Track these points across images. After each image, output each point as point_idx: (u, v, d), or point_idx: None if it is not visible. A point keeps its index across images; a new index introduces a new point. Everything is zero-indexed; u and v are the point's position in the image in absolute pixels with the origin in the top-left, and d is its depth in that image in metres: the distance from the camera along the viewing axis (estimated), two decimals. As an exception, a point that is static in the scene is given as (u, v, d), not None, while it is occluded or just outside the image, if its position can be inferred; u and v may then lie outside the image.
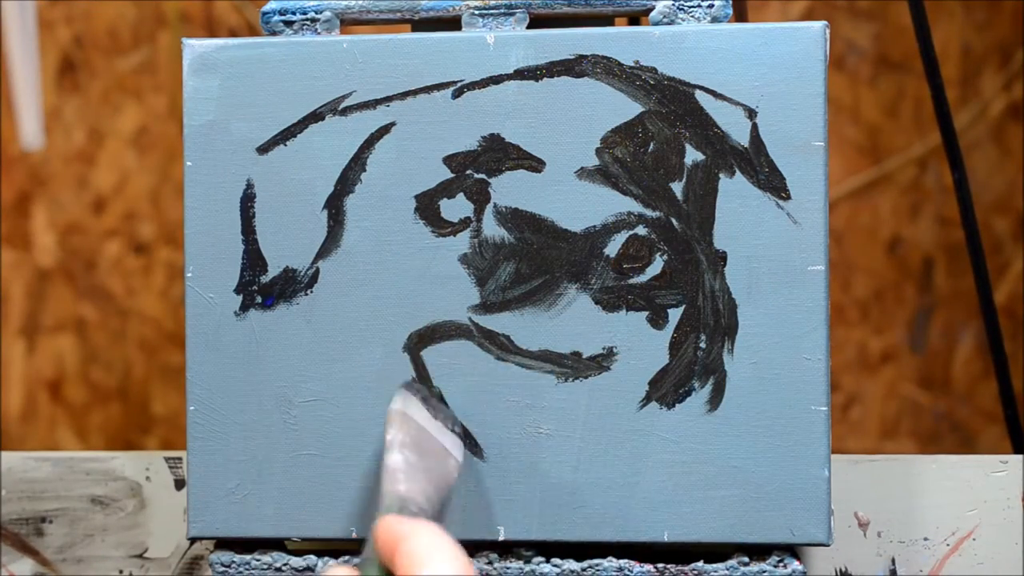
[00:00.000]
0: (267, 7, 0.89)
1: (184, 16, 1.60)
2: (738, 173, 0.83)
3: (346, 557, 0.86)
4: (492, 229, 0.85)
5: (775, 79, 0.83)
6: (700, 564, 0.84)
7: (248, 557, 0.87)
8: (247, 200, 0.86)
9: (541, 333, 0.84)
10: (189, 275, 0.86)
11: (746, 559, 0.84)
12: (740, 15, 1.22)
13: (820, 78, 0.83)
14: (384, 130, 0.85)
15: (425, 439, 0.78)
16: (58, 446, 1.61)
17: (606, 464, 0.84)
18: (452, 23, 0.88)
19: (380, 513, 0.73)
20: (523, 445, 0.84)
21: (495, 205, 0.85)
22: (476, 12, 0.87)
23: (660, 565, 0.84)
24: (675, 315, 0.83)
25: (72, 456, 1.01)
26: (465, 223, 0.85)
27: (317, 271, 0.86)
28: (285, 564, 0.86)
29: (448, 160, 0.85)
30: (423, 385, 0.84)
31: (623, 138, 0.84)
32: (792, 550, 0.84)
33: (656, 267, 0.84)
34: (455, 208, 0.85)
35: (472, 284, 0.85)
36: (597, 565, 0.84)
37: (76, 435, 1.62)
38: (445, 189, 0.85)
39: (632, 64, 0.83)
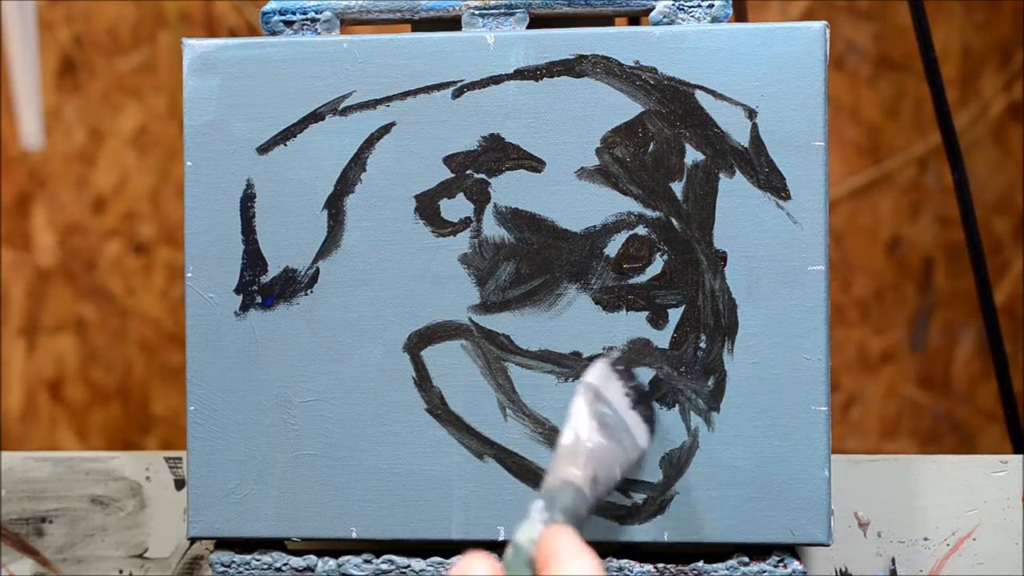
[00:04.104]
0: (267, 7, 0.89)
1: (184, 16, 1.60)
2: (738, 173, 0.83)
3: (310, 557, 0.86)
4: (492, 229, 0.85)
5: (775, 79, 0.83)
6: (700, 564, 0.84)
7: (248, 557, 0.87)
8: (247, 200, 0.86)
9: (541, 333, 0.84)
10: (189, 275, 0.86)
11: (746, 559, 0.84)
12: (740, 15, 1.22)
13: (820, 78, 0.83)
14: (384, 130, 0.85)
15: (610, 418, 0.75)
16: (58, 446, 1.61)
17: (606, 464, 0.84)
18: (452, 23, 0.88)
19: (547, 502, 0.70)
20: (523, 445, 0.84)
21: (495, 205, 0.85)
22: (476, 12, 0.87)
23: (660, 565, 0.84)
24: (675, 315, 0.83)
25: (72, 456, 1.01)
26: (465, 223, 0.85)
27: (317, 271, 0.86)
28: (285, 564, 0.86)
29: (448, 160, 0.85)
30: (627, 361, 0.80)
31: (623, 138, 0.84)
32: (792, 550, 0.84)
33: (656, 267, 0.84)
34: (455, 208, 0.85)
35: (472, 284, 0.85)
36: (597, 565, 0.84)
37: (76, 435, 1.62)
38: (445, 189, 0.85)
39: (632, 64, 0.83)
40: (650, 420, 0.80)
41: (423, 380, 0.85)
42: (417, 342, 0.85)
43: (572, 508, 0.70)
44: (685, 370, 0.83)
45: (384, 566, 0.86)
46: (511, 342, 0.84)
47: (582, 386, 0.77)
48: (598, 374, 0.78)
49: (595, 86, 0.84)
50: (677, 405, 0.83)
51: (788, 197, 0.83)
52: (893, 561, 0.95)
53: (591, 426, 0.74)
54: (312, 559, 0.86)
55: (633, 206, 0.84)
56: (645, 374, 0.82)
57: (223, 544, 0.88)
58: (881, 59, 1.55)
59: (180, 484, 1.00)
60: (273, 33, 0.88)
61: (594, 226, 0.84)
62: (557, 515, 0.69)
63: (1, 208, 1.62)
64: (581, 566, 0.65)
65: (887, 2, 1.54)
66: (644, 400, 0.80)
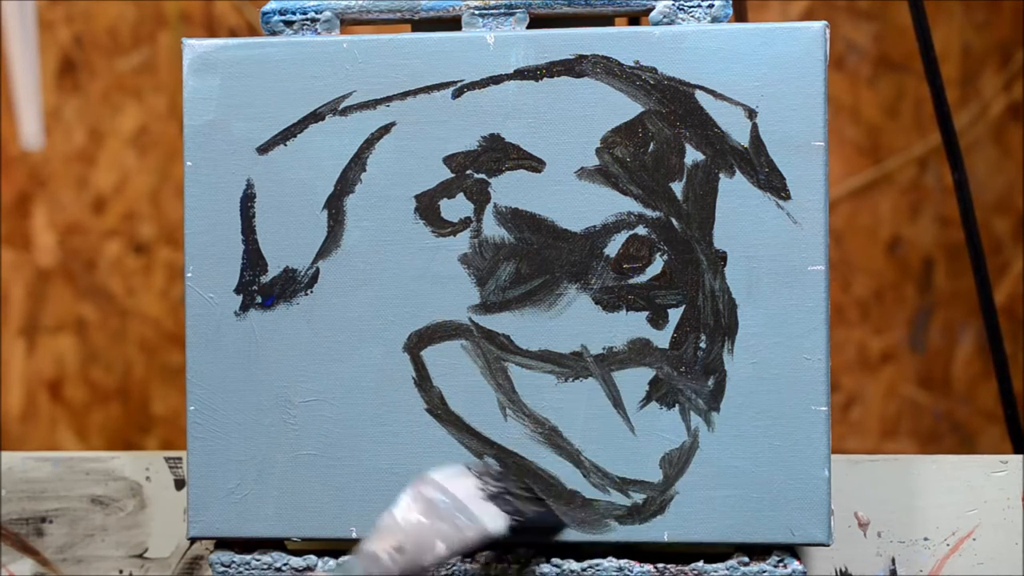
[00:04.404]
0: (267, 7, 0.89)
1: (184, 16, 1.60)
2: (738, 173, 0.83)
3: (310, 557, 0.86)
4: (492, 229, 0.85)
5: (775, 79, 0.83)
6: (700, 564, 0.84)
7: (248, 557, 0.87)
8: (247, 200, 0.86)
9: (541, 333, 0.84)
10: (189, 275, 0.86)
11: (746, 559, 0.84)
12: (740, 15, 1.22)
13: (820, 78, 0.83)
14: (384, 130, 0.85)
15: (444, 504, 0.79)
16: (58, 446, 1.61)
17: (606, 464, 0.84)
18: (452, 23, 0.88)
19: (341, 566, 0.77)
20: (523, 445, 0.84)
21: (495, 205, 0.85)
22: (476, 12, 0.87)
23: (660, 565, 0.84)
24: (675, 315, 0.83)
25: (72, 456, 1.01)
26: (465, 223, 0.85)
27: (317, 271, 0.86)
28: (285, 564, 0.86)
29: (448, 160, 0.85)
30: (498, 472, 0.83)
31: (623, 138, 0.84)
32: (792, 550, 0.84)
33: (656, 267, 0.84)
34: (455, 208, 0.85)
35: (472, 284, 0.85)
36: (597, 565, 0.84)
37: (76, 435, 1.62)
38: (445, 189, 0.85)
39: (632, 64, 0.83)
40: (519, 513, 0.81)
41: (423, 380, 0.85)
42: (417, 342, 0.85)
43: (350, 569, 0.78)
44: (685, 370, 0.83)
45: (384, 566, 0.86)
46: (511, 342, 0.84)
47: (417, 478, 0.81)
48: (446, 471, 0.81)
49: (595, 86, 0.84)
50: (677, 405, 0.83)
51: (788, 197, 0.83)
52: (893, 561, 0.95)
53: (408, 507, 0.79)
54: (312, 559, 0.86)
55: (633, 206, 0.84)
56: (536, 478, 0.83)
57: (223, 544, 0.88)
58: (881, 59, 1.55)
59: (180, 484, 1.00)
60: (273, 33, 0.88)
61: (594, 226, 0.84)
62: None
63: (1, 208, 1.62)
64: None
65: (887, 2, 1.54)
66: (512, 500, 0.81)
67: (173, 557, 1.00)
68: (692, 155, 0.83)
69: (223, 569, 0.87)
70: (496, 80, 0.84)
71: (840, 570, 0.96)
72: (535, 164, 0.84)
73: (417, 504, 0.79)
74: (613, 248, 0.84)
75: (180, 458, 1.00)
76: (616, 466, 0.84)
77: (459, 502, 0.79)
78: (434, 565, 0.78)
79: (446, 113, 0.85)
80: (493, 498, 0.80)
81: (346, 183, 0.85)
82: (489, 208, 0.85)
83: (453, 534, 0.78)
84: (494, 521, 0.80)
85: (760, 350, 0.83)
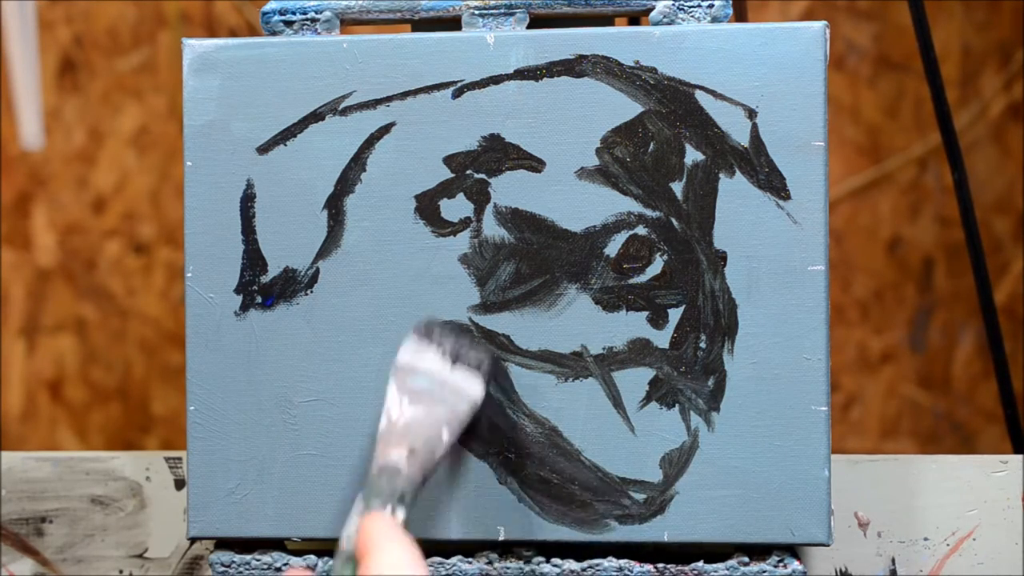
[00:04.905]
0: (267, 7, 0.89)
1: (184, 16, 1.60)
2: (738, 173, 0.83)
3: (310, 557, 0.86)
4: (492, 229, 0.85)
5: (775, 79, 0.83)
6: (700, 564, 0.84)
7: (248, 557, 0.87)
8: (247, 200, 0.86)
9: (541, 333, 0.84)
10: (189, 275, 0.86)
11: (746, 559, 0.84)
12: (740, 15, 1.22)
13: (820, 78, 0.83)
14: (384, 130, 0.85)
15: (426, 386, 0.78)
16: (58, 446, 1.62)
17: (606, 464, 0.84)
18: (452, 23, 0.88)
19: (365, 493, 0.74)
20: (523, 445, 0.84)
21: (495, 205, 0.85)
22: (476, 12, 0.87)
23: (660, 565, 0.84)
24: (675, 315, 0.83)
25: (72, 456, 1.01)
26: (465, 223, 0.85)
27: (317, 271, 0.86)
28: (285, 564, 0.86)
29: (448, 160, 0.85)
30: (437, 323, 0.83)
31: (623, 138, 0.84)
32: (792, 550, 0.84)
33: (656, 267, 0.84)
34: (455, 208, 0.85)
35: (472, 284, 0.85)
36: (597, 565, 0.84)
37: (76, 435, 1.62)
38: (445, 189, 0.85)
39: (632, 64, 0.83)
40: (480, 365, 0.81)
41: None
42: (417, 342, 0.85)
43: (389, 490, 0.74)
44: (685, 370, 0.83)
45: (384, 566, 0.86)
46: (511, 342, 0.84)
47: (392, 369, 0.79)
48: (407, 350, 0.80)
49: (595, 86, 0.84)
50: (677, 405, 0.83)
51: (788, 197, 0.83)
52: (893, 561, 0.95)
53: (400, 402, 0.77)
54: (312, 559, 0.86)
55: (633, 206, 0.84)
56: (460, 328, 0.83)
57: (223, 544, 0.88)
58: (881, 59, 1.55)
59: (180, 484, 1.00)
60: (273, 33, 0.88)
61: (594, 226, 0.84)
62: (374, 502, 0.73)
63: (1, 208, 1.62)
64: (393, 551, 0.68)
65: (887, 2, 1.54)
66: (466, 352, 0.81)
67: (173, 557, 1.00)
68: (692, 155, 0.83)
69: (223, 569, 0.87)
70: (496, 80, 0.84)
71: (840, 570, 0.96)
72: (535, 164, 0.84)
73: (406, 398, 0.78)
74: (613, 248, 0.84)
75: (180, 458, 1.00)
76: (616, 466, 0.84)
77: (437, 379, 0.79)
78: (445, 455, 0.77)
79: (446, 113, 0.85)
80: (456, 360, 0.80)
81: (346, 183, 0.85)
82: (489, 208, 0.85)
83: (450, 416, 0.78)
84: (472, 386, 0.80)
85: (760, 350, 0.83)
